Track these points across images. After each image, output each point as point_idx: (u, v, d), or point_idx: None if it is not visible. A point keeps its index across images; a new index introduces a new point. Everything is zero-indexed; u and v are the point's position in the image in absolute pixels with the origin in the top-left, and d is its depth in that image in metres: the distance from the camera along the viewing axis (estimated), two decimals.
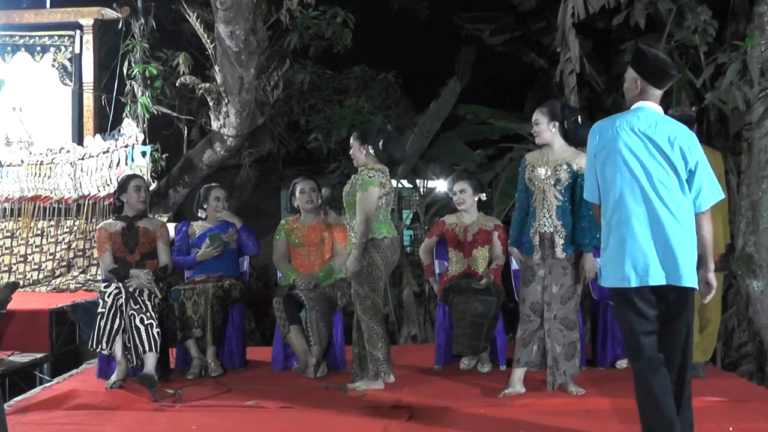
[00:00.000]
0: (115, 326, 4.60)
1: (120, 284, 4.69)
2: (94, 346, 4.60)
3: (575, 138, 4.23)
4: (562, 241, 4.21)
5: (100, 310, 4.61)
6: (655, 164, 3.10)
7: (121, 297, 4.62)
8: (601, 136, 3.23)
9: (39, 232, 7.42)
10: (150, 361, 4.53)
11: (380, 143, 4.46)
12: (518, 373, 4.32)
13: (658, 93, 3.23)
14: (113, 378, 4.64)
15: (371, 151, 4.47)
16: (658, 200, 3.09)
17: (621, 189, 3.14)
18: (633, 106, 3.23)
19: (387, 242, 4.41)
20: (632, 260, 3.09)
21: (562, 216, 4.22)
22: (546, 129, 4.23)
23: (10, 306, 5.46)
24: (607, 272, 3.20)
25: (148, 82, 7.91)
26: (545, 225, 4.26)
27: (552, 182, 4.22)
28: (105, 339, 4.57)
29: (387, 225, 4.47)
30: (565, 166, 4.20)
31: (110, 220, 5.12)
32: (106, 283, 4.85)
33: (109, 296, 4.63)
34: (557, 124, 4.21)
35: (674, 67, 3.20)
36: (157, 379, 4.45)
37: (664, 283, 3.07)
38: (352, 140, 4.59)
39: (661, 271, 3.07)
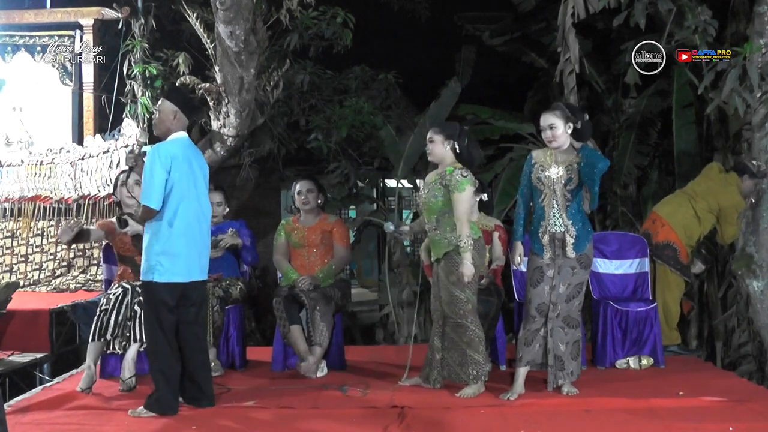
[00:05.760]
0: (119, 322, 4.55)
1: (125, 284, 4.68)
2: (97, 339, 4.54)
3: (584, 135, 4.25)
4: (573, 240, 4.22)
5: (103, 307, 4.56)
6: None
7: (127, 297, 4.60)
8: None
9: (39, 232, 7.43)
10: (132, 348, 4.54)
11: (465, 142, 4.30)
12: (522, 371, 4.32)
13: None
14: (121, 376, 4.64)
15: (457, 148, 4.30)
16: None
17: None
18: (177, 136, 4.26)
19: (478, 242, 4.30)
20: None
21: (572, 215, 4.23)
22: (563, 132, 4.22)
23: (10, 306, 5.46)
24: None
25: (148, 82, 7.90)
26: (556, 225, 4.26)
27: (563, 182, 4.23)
28: (108, 333, 4.52)
29: (474, 225, 4.35)
30: (575, 166, 4.21)
31: (113, 219, 5.10)
32: (110, 284, 4.86)
33: (113, 296, 4.61)
34: (572, 125, 4.22)
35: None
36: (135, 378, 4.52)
37: None
38: (432, 135, 4.36)
39: None
